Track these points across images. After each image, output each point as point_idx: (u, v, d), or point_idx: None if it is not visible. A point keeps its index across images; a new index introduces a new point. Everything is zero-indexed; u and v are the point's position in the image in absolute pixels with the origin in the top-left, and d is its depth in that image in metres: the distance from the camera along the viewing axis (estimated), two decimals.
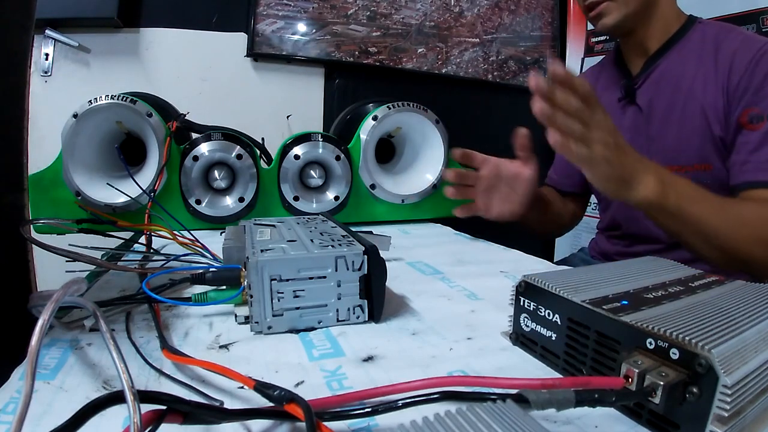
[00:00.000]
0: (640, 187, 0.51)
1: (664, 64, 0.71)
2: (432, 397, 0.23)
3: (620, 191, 0.52)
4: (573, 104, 0.47)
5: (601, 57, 1.44)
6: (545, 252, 1.60)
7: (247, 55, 1.24)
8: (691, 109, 0.67)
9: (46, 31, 1.07)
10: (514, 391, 0.22)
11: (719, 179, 0.67)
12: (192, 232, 0.52)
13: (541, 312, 0.31)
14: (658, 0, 0.70)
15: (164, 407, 0.20)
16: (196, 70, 1.22)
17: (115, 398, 0.19)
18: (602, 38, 1.51)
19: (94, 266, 0.43)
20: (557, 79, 0.46)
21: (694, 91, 0.67)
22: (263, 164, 0.79)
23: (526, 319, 0.33)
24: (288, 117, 1.29)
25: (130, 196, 0.65)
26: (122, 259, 0.54)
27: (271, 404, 0.22)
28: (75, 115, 0.65)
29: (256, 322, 0.35)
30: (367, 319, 0.38)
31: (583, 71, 0.93)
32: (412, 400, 0.22)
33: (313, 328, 0.37)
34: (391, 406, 0.22)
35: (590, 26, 1.54)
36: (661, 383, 0.22)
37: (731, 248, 0.55)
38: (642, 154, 0.53)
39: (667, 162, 0.69)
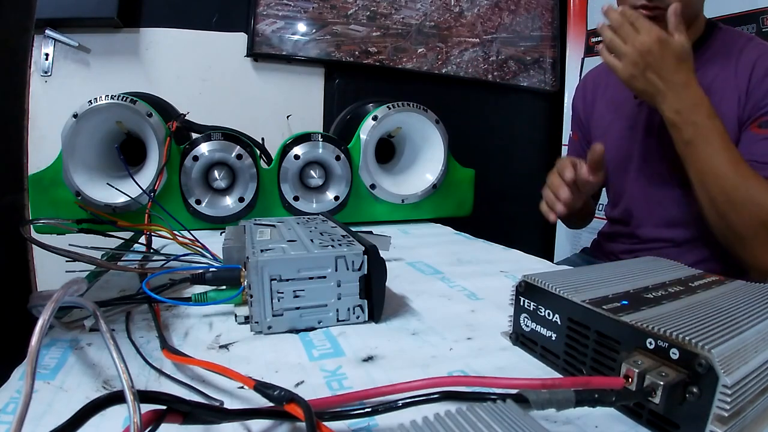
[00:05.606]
0: (660, 104, 0.62)
1: None
2: (432, 397, 0.23)
3: (644, 97, 0.64)
4: (616, 21, 0.62)
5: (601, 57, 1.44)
6: (545, 252, 1.60)
7: (247, 55, 1.24)
8: None
9: (46, 31, 1.07)
10: (514, 391, 0.22)
11: None
12: (192, 232, 0.52)
13: (541, 312, 0.31)
14: (701, 10, 0.70)
15: (164, 407, 0.20)
16: (196, 70, 1.22)
17: (115, 398, 0.19)
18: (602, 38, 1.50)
19: (94, 266, 0.43)
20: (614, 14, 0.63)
21: (715, 99, 0.66)
22: (263, 164, 0.79)
23: (526, 319, 0.33)
24: (288, 117, 1.30)
25: (130, 196, 0.65)
26: (122, 259, 0.54)
27: (271, 404, 0.22)
28: (75, 115, 0.65)
29: (256, 322, 0.35)
30: (367, 319, 0.38)
31: (592, 68, 0.92)
32: (412, 400, 0.22)
33: (313, 328, 0.37)
34: (391, 406, 0.22)
35: (590, 26, 1.55)
36: (661, 383, 0.22)
37: (728, 201, 0.59)
38: (690, 74, 0.61)
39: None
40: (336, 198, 0.78)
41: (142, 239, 0.57)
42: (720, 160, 0.59)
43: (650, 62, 0.60)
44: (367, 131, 0.81)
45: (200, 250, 0.49)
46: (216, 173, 0.73)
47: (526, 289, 0.32)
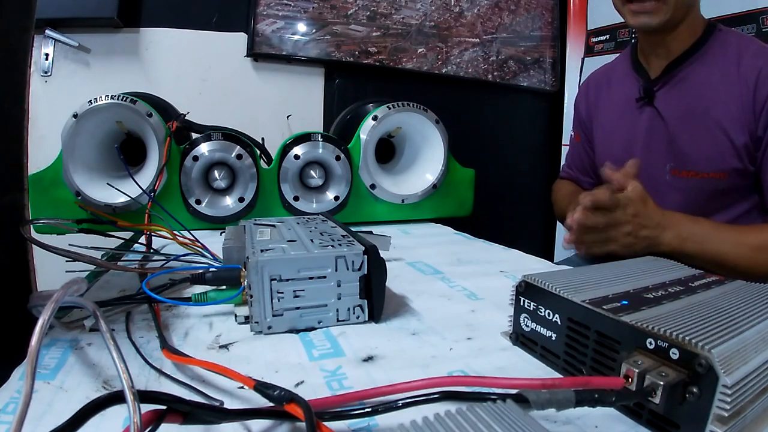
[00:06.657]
0: (661, 247, 0.61)
1: (686, 71, 0.70)
2: (432, 397, 0.23)
3: (645, 252, 0.60)
4: (601, 222, 0.58)
5: (601, 57, 1.44)
6: (545, 252, 1.60)
7: (247, 55, 1.24)
8: (711, 119, 0.67)
9: (46, 31, 1.07)
10: (514, 391, 0.22)
11: (735, 186, 0.67)
12: (192, 232, 0.52)
13: (541, 312, 0.31)
14: (695, 5, 0.70)
15: (164, 407, 0.20)
16: (196, 70, 1.22)
17: (115, 398, 0.19)
18: (602, 38, 1.50)
19: (94, 266, 0.43)
20: (595, 205, 0.58)
21: (716, 101, 0.66)
22: (263, 164, 0.79)
23: (526, 319, 0.33)
24: (288, 117, 1.30)
25: (130, 196, 0.65)
26: (122, 259, 0.54)
27: (271, 404, 0.22)
28: (75, 115, 0.65)
29: (256, 322, 0.35)
30: (367, 319, 0.38)
31: (594, 70, 0.92)
32: (412, 400, 0.22)
33: (313, 328, 0.37)
34: (391, 406, 0.22)
35: (590, 26, 1.54)
36: (661, 383, 0.22)
37: (750, 273, 0.62)
38: (663, 209, 0.62)
39: (683, 166, 0.69)
40: (336, 198, 0.78)
41: (142, 239, 0.57)
42: (730, 246, 0.62)
43: (639, 222, 0.59)
44: (367, 131, 0.81)
45: (200, 250, 0.49)
46: (216, 173, 0.73)
47: (526, 289, 0.32)
